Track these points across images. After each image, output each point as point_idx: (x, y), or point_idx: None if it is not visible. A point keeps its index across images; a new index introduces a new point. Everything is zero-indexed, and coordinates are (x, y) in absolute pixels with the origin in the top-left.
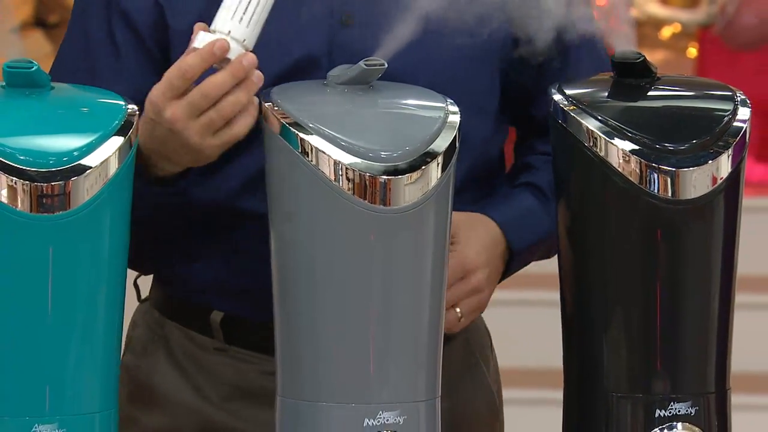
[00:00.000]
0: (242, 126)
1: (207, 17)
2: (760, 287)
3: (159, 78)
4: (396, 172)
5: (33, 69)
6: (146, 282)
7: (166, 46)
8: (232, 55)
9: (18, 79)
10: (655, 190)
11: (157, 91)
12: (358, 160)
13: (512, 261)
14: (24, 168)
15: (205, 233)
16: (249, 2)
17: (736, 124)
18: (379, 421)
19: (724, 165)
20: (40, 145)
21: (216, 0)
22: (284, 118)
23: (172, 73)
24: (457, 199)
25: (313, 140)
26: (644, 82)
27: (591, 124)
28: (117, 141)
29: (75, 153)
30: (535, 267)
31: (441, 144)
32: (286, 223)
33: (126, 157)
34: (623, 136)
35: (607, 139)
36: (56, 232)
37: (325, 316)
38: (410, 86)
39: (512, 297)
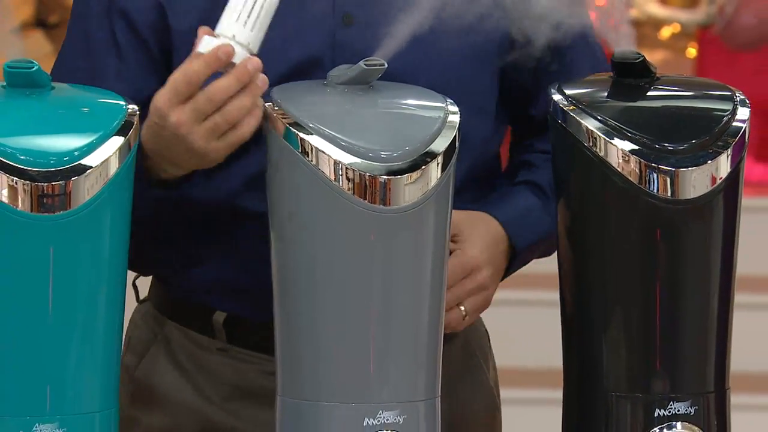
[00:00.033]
0: (247, 129)
1: (209, 17)
2: (759, 287)
3: (160, 78)
4: (396, 172)
5: (33, 69)
6: (145, 282)
7: (168, 47)
8: (236, 60)
9: (18, 79)
10: (655, 190)
11: (161, 96)
12: (358, 160)
13: (514, 259)
14: (25, 168)
15: (206, 233)
16: (253, 6)
17: (735, 124)
18: (378, 421)
19: (723, 165)
20: (40, 145)
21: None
22: (285, 118)
23: (176, 79)
24: (457, 198)
25: (313, 140)
26: (644, 82)
27: (591, 124)
28: (117, 141)
29: (75, 153)
30: (534, 267)
31: (441, 144)
32: (286, 222)
33: (126, 157)
34: (623, 136)
35: (607, 139)
36: (57, 232)
37: (325, 315)
38: (410, 86)
39: (511, 297)
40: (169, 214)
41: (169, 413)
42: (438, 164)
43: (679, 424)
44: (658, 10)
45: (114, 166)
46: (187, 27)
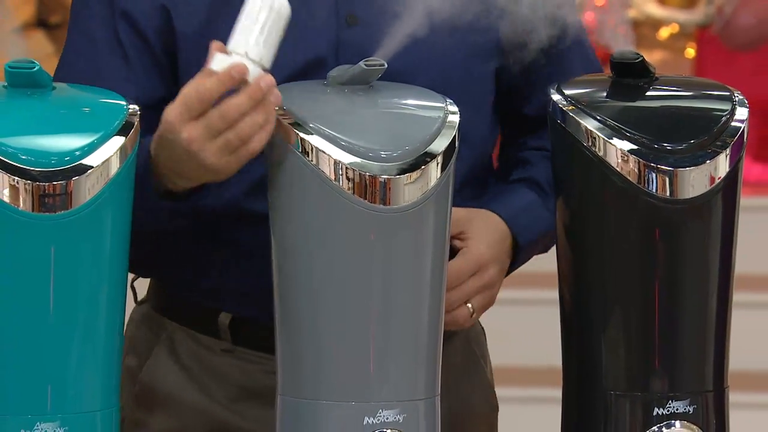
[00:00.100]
0: (258, 145)
1: (213, 19)
2: (757, 286)
3: (165, 81)
4: (396, 171)
5: (35, 69)
6: (142, 284)
7: (172, 49)
8: (249, 77)
9: (20, 80)
10: (654, 190)
11: (173, 112)
12: (358, 160)
13: (517, 255)
14: (26, 167)
15: (212, 236)
16: (265, 23)
17: (733, 124)
18: (378, 420)
19: (722, 165)
20: (41, 145)
21: (223, 1)
22: (285, 118)
23: (188, 96)
24: (458, 196)
25: (313, 140)
26: (643, 82)
27: (590, 124)
28: (118, 141)
29: (77, 153)
30: (532, 266)
31: (440, 144)
32: (286, 222)
33: (127, 157)
34: (622, 136)
35: (606, 139)
36: (58, 232)
37: (325, 314)
38: (410, 86)
39: (510, 296)
40: (177, 223)
41: (175, 414)
42: (438, 164)
43: (678, 423)
44: (656, 11)
45: (115, 166)
46: (192, 29)
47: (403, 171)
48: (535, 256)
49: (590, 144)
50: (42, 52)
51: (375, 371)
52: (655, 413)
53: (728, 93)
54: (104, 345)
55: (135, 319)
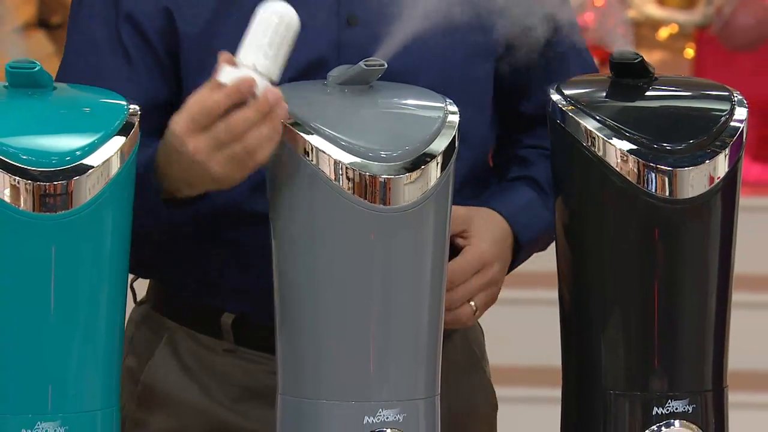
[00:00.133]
0: (264, 156)
1: (217, 21)
2: (757, 286)
3: (168, 82)
4: (396, 171)
5: (35, 69)
6: (141, 284)
7: (175, 50)
8: (257, 90)
9: (21, 80)
10: (653, 190)
11: (179, 124)
12: (358, 160)
13: (518, 254)
14: (27, 167)
15: (213, 236)
16: (274, 36)
17: (733, 124)
18: (378, 419)
19: (721, 165)
20: (42, 145)
21: (226, 3)
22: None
23: (195, 108)
24: (458, 195)
25: (313, 140)
26: (642, 83)
27: (589, 124)
28: (119, 141)
29: (77, 152)
30: (532, 265)
31: (440, 144)
32: (286, 222)
33: (128, 157)
34: (621, 136)
35: (606, 139)
36: (58, 232)
37: (325, 314)
38: (410, 86)
39: (510, 295)
40: (181, 228)
41: (177, 415)
42: (438, 164)
43: (677, 423)
44: (656, 11)
45: (115, 166)
46: (195, 31)
47: (403, 171)
48: (534, 256)
49: (590, 144)
50: (42, 52)
51: (375, 371)
52: (654, 413)
53: (727, 93)
54: (105, 345)
55: (135, 320)
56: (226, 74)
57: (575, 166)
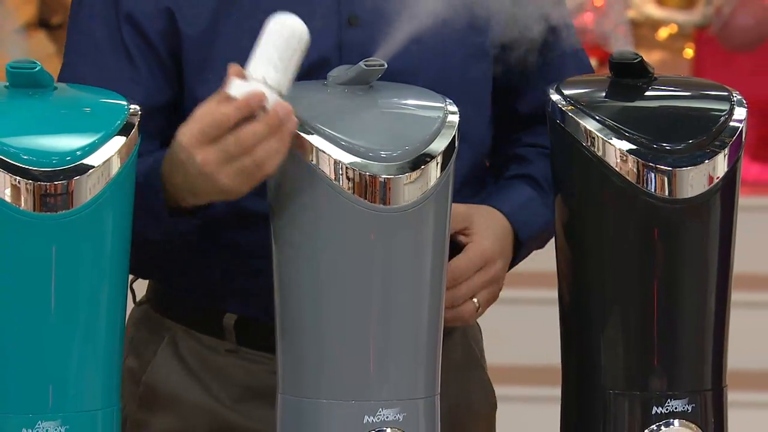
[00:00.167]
0: (272, 168)
1: (218, 21)
2: (756, 285)
3: (170, 84)
4: (396, 171)
5: (36, 69)
6: (141, 284)
7: (177, 52)
8: (267, 104)
9: (21, 80)
10: (653, 190)
11: (186, 136)
12: (358, 160)
13: (518, 251)
14: (27, 167)
15: (213, 237)
16: (285, 49)
17: (732, 123)
18: (378, 418)
19: (720, 164)
20: (43, 145)
21: (227, 3)
22: None
23: (205, 121)
24: (457, 195)
25: (313, 140)
26: (641, 83)
27: (589, 124)
28: (119, 141)
29: (78, 152)
30: (531, 265)
31: (440, 144)
32: (286, 222)
33: (128, 157)
34: (621, 136)
35: (605, 138)
36: (59, 231)
37: (325, 314)
38: (410, 86)
39: (509, 295)
40: (182, 232)
41: (180, 415)
42: (437, 164)
43: (676, 422)
44: (655, 11)
45: (116, 166)
46: (197, 31)
47: (403, 171)
48: (534, 256)
49: (589, 144)
50: (43, 53)
51: (375, 370)
52: (653, 412)
53: (727, 93)
54: (105, 344)
55: (134, 320)
56: (236, 87)
57: (575, 166)
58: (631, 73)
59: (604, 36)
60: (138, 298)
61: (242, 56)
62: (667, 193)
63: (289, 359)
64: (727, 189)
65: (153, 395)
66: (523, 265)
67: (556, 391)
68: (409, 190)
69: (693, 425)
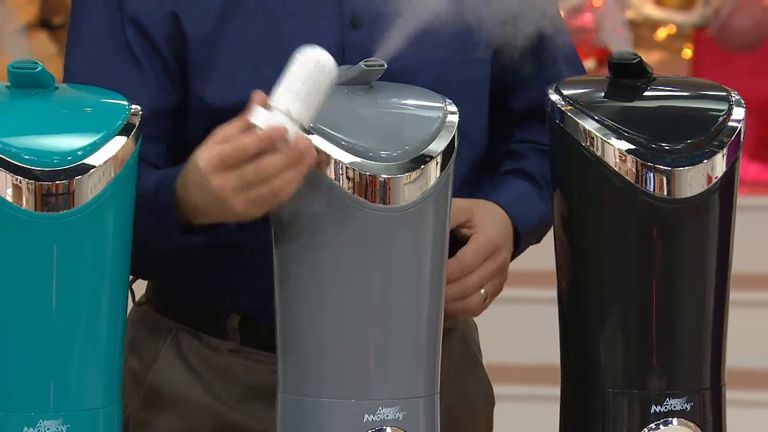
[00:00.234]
0: (287, 196)
1: (223, 21)
2: (754, 285)
3: (176, 87)
4: (395, 171)
5: (37, 69)
6: (140, 284)
7: (182, 55)
8: (289, 136)
9: (23, 80)
10: (651, 189)
11: (205, 159)
12: (358, 160)
13: (518, 244)
14: (29, 167)
15: (217, 240)
16: (312, 83)
17: (730, 123)
18: (378, 417)
19: (719, 164)
20: (44, 145)
21: (233, 4)
22: None
23: (224, 147)
24: (457, 194)
25: (314, 140)
26: (640, 83)
27: (588, 124)
28: (120, 140)
29: (79, 152)
30: (531, 265)
31: (440, 144)
32: (287, 222)
33: (129, 157)
34: (620, 136)
35: (604, 138)
36: (60, 231)
37: (325, 313)
38: (409, 86)
39: (509, 295)
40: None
41: (184, 415)
42: (437, 164)
43: (675, 421)
44: (654, 12)
45: (117, 166)
46: (202, 33)
47: (402, 171)
48: (534, 256)
49: (588, 144)
50: (45, 53)
51: (375, 369)
52: (652, 411)
53: (725, 93)
54: (106, 343)
55: (134, 321)
56: (260, 117)
57: (574, 165)
58: (630, 74)
59: (603, 36)
60: (137, 299)
61: (246, 57)
62: (665, 192)
63: (289, 358)
64: (725, 189)
65: (156, 395)
66: (523, 265)
67: (556, 390)
68: (409, 189)
69: (692, 424)
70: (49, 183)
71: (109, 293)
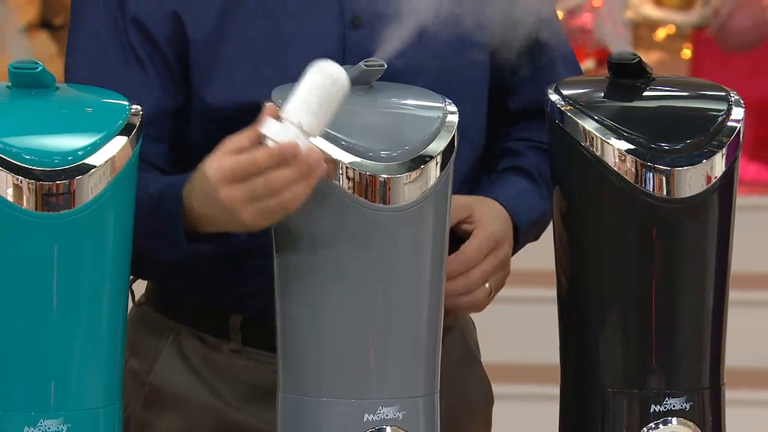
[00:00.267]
0: (296, 207)
1: (224, 21)
2: (753, 284)
3: (178, 88)
4: (395, 171)
5: (38, 69)
6: (139, 284)
7: (184, 56)
8: (300, 150)
9: (23, 80)
10: (651, 189)
11: (214, 169)
12: (358, 160)
13: (517, 240)
14: (29, 167)
15: (217, 239)
16: (324, 97)
17: (730, 123)
18: (378, 417)
19: (718, 164)
20: (45, 145)
21: (234, 4)
22: None
23: (234, 160)
24: (457, 193)
25: (314, 140)
26: (640, 83)
27: (587, 124)
28: (121, 140)
29: (80, 152)
30: (530, 264)
31: (439, 144)
32: (287, 221)
33: (130, 157)
34: (619, 136)
35: (604, 138)
36: (61, 231)
37: (325, 313)
38: (409, 86)
39: (509, 294)
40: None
41: (186, 415)
42: (437, 164)
43: (674, 420)
44: (653, 12)
45: (118, 166)
46: (204, 33)
47: (402, 170)
48: (533, 256)
49: (588, 144)
50: (45, 53)
51: (375, 369)
52: (652, 410)
53: (724, 93)
54: (107, 343)
55: (134, 321)
56: (271, 129)
57: (574, 165)
58: (630, 74)
59: (603, 36)
60: (137, 299)
61: (246, 57)
62: (665, 192)
63: (289, 358)
64: (724, 188)
65: (158, 395)
66: (523, 264)
67: (555, 390)
68: (409, 189)
69: (691, 423)
70: (50, 183)
71: (109, 292)
